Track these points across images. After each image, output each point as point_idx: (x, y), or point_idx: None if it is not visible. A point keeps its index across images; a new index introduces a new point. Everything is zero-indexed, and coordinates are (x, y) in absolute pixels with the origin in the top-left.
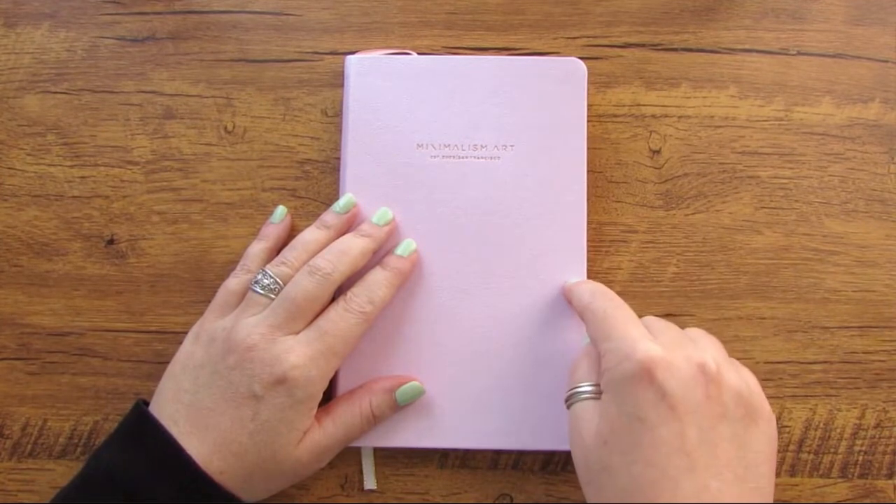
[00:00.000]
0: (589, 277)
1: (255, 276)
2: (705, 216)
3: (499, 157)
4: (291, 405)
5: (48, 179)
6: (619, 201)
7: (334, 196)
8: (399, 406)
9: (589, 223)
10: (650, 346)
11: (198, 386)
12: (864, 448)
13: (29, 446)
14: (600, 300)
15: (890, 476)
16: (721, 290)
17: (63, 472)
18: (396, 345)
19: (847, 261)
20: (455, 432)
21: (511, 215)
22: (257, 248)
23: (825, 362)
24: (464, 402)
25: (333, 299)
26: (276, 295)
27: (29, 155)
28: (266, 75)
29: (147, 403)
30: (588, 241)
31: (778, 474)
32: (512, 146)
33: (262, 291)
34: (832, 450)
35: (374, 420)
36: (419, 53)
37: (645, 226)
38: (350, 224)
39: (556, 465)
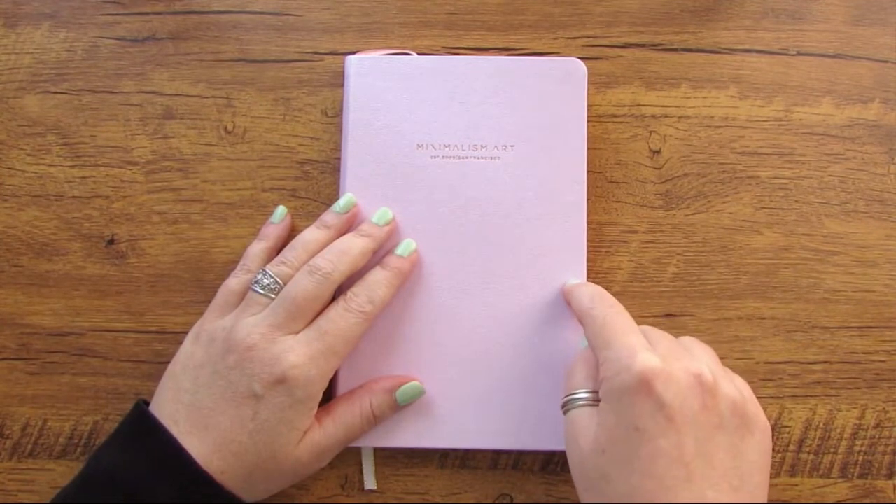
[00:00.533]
0: (589, 278)
1: (256, 276)
2: (705, 216)
3: (499, 157)
4: (291, 405)
5: (48, 179)
6: (619, 201)
7: (334, 196)
8: (399, 406)
9: (589, 223)
10: (649, 358)
11: (198, 386)
12: (863, 448)
13: (29, 446)
14: (600, 306)
15: (890, 476)
16: (721, 290)
17: (63, 472)
18: (396, 345)
19: (847, 261)
20: (455, 432)
21: (511, 215)
22: (257, 248)
23: (825, 362)
24: (464, 402)
25: (333, 299)
26: (276, 295)
27: (29, 155)
28: (266, 75)
29: (147, 403)
30: (588, 241)
31: (778, 474)
32: (512, 146)
33: (262, 291)
34: (832, 450)
35: (375, 420)
36: (419, 53)
37: (645, 226)
38: (350, 224)
39: (556, 465)
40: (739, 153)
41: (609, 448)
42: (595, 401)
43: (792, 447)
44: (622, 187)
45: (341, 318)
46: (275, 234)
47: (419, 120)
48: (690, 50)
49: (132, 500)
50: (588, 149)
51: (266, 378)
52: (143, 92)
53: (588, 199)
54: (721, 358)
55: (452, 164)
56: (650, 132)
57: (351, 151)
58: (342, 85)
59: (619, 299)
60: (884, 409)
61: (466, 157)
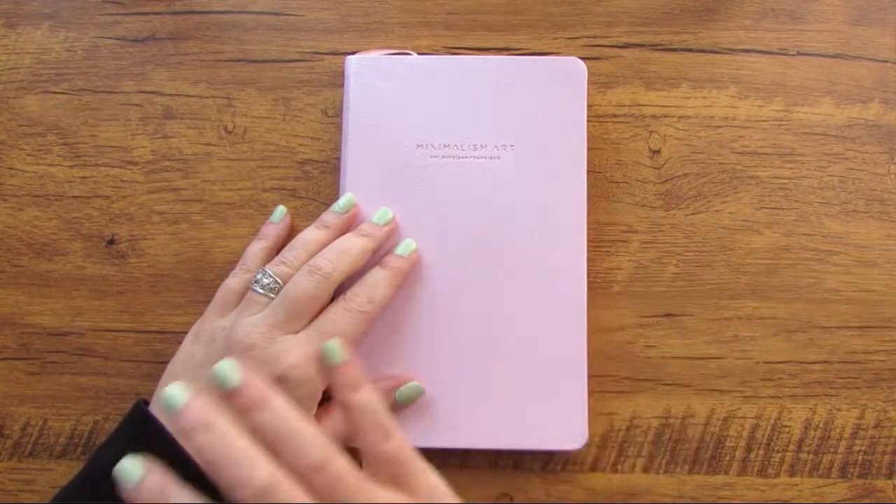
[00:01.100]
0: (589, 278)
1: (255, 276)
2: (705, 216)
3: (499, 157)
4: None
5: (48, 179)
6: (619, 201)
7: (334, 196)
8: (399, 406)
9: (589, 223)
10: None
11: (198, 385)
12: (863, 448)
13: (29, 446)
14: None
15: (890, 476)
16: (721, 290)
17: (63, 472)
18: (396, 345)
19: (847, 261)
20: (455, 432)
21: (511, 215)
22: (257, 248)
23: (825, 362)
24: (464, 402)
25: (333, 299)
26: (276, 294)
27: (29, 155)
28: (266, 75)
29: (147, 403)
30: (588, 241)
31: (778, 474)
32: (512, 146)
33: (261, 291)
34: (832, 450)
35: None
36: (419, 53)
37: (645, 226)
38: (350, 224)
39: (556, 465)
40: (739, 153)
41: None
42: None
43: (792, 447)
44: (622, 187)
45: (341, 317)
46: (274, 233)
47: (419, 120)
48: (690, 50)
49: None
50: (588, 149)
51: (265, 377)
52: (143, 92)
53: (588, 199)
54: (721, 358)
55: (452, 164)
56: (650, 132)
57: (351, 151)
58: (342, 85)
59: (619, 299)
60: (883, 408)
61: (466, 157)
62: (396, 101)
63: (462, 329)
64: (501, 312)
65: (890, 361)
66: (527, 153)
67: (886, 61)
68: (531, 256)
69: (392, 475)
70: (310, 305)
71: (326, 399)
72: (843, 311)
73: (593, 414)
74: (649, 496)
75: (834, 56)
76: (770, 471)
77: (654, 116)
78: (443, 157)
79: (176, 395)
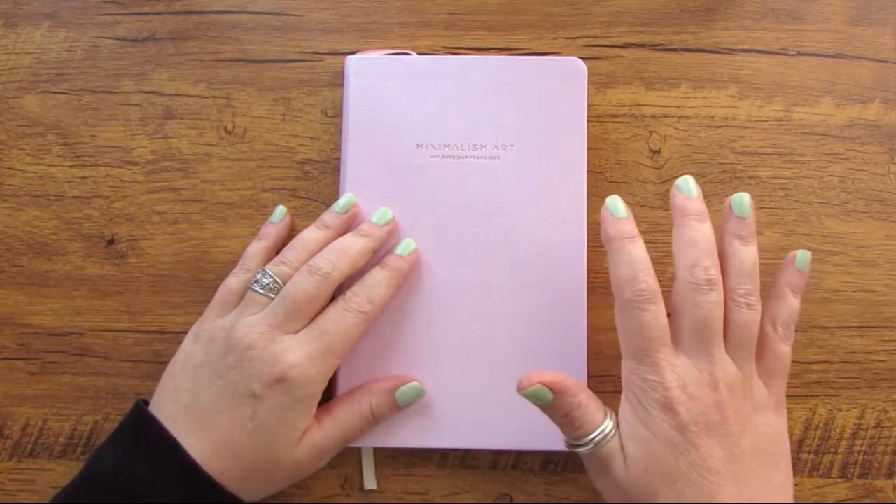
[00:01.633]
0: (589, 278)
1: (255, 276)
2: None
3: (499, 157)
4: (291, 405)
5: (48, 179)
6: None
7: (334, 196)
8: (399, 406)
9: (589, 223)
10: (672, 381)
11: (197, 385)
12: (863, 448)
13: (29, 446)
14: (638, 299)
15: (890, 476)
16: None
17: (63, 472)
18: (396, 345)
19: (847, 261)
20: (455, 432)
21: (511, 215)
22: (257, 248)
23: (825, 362)
24: (464, 402)
25: (333, 299)
26: (276, 294)
27: (29, 155)
28: (266, 75)
29: (147, 403)
30: (588, 241)
31: None
32: (512, 146)
33: (261, 291)
34: (832, 450)
35: (374, 420)
36: (419, 53)
37: (645, 226)
38: (350, 224)
39: (556, 465)
40: (739, 153)
41: (650, 465)
42: (616, 425)
43: (792, 447)
44: (622, 187)
45: (341, 317)
46: (274, 233)
47: (419, 120)
48: (690, 50)
49: (132, 501)
50: (588, 149)
51: (265, 378)
52: (143, 92)
53: (588, 199)
54: None
55: (452, 164)
56: (650, 132)
57: (351, 151)
58: (342, 85)
59: None
60: (884, 409)
61: (466, 157)
62: (396, 101)
63: (462, 329)
64: (501, 312)
65: (890, 361)
66: (527, 153)
67: (886, 61)
68: (531, 256)
69: (766, 369)
70: (309, 305)
71: (326, 399)
72: (843, 311)
73: None
74: None
75: (834, 56)
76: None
77: (654, 116)
78: (443, 157)
79: (620, 206)
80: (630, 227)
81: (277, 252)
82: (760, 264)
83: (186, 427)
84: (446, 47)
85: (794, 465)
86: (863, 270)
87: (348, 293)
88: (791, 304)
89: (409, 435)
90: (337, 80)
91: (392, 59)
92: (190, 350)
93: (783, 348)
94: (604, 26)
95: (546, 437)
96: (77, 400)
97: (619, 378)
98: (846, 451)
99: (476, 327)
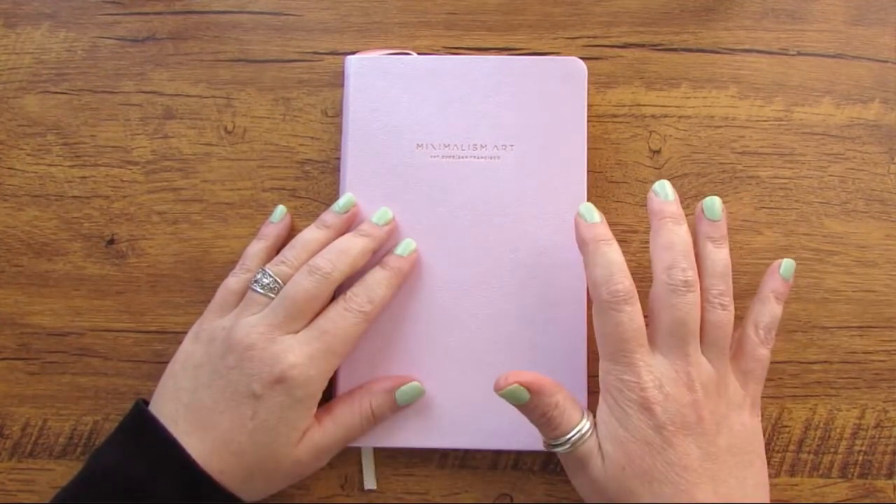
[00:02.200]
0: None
1: (255, 276)
2: None
3: (499, 157)
4: (291, 405)
5: (48, 179)
6: (619, 201)
7: (334, 196)
8: (399, 406)
9: None
10: (649, 381)
11: (197, 385)
12: (864, 448)
13: (29, 446)
14: (618, 304)
15: (890, 476)
16: None
17: (63, 472)
18: (396, 345)
19: (847, 261)
20: (455, 432)
21: (511, 215)
22: (257, 248)
23: (825, 362)
24: (464, 402)
25: (333, 299)
26: (276, 294)
27: (29, 155)
28: (266, 75)
29: (147, 403)
30: None
31: (778, 474)
32: (512, 146)
33: (261, 291)
34: (832, 450)
35: (374, 420)
36: (419, 53)
37: (645, 226)
38: (350, 224)
39: (556, 465)
40: (739, 153)
41: (628, 464)
42: (594, 424)
43: (792, 447)
44: (622, 187)
45: (341, 317)
46: (274, 233)
47: (419, 120)
48: (690, 50)
49: (132, 500)
50: (588, 149)
51: (265, 378)
52: (143, 92)
53: (588, 199)
54: None
55: (452, 164)
56: (650, 132)
57: (351, 151)
58: (342, 85)
59: None
60: (884, 408)
61: (466, 157)
62: (396, 101)
63: (462, 329)
64: (501, 312)
65: (890, 361)
66: (527, 153)
67: (886, 61)
68: (531, 256)
69: (744, 370)
70: (309, 305)
71: (326, 399)
72: (843, 311)
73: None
74: None
75: (834, 56)
76: (770, 471)
77: (654, 116)
78: (443, 157)
79: (594, 212)
80: (604, 230)
81: (277, 252)
82: (760, 264)
83: (186, 427)
84: (446, 47)
85: (794, 465)
86: (863, 270)
87: (348, 293)
88: (773, 310)
89: (409, 435)
90: (337, 80)
91: (392, 59)
92: (190, 350)
93: (762, 352)
94: (604, 26)
95: None
96: (77, 400)
97: None
98: (846, 451)
99: (476, 327)
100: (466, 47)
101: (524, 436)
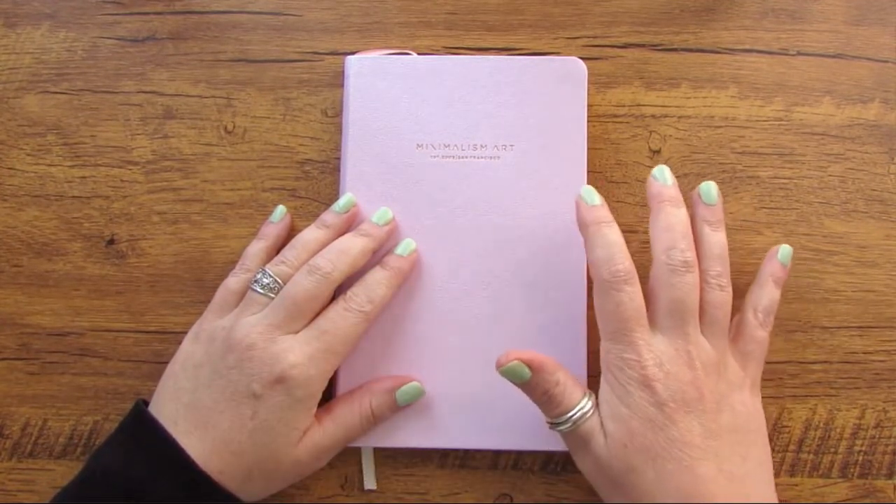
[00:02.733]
0: (589, 278)
1: (255, 276)
2: None
3: (499, 157)
4: (291, 404)
5: (48, 179)
6: (619, 201)
7: (334, 196)
8: (399, 406)
9: None
10: (649, 359)
11: (197, 385)
12: (864, 448)
13: (29, 446)
14: (618, 284)
15: (890, 476)
16: None
17: (63, 472)
18: (396, 345)
19: (847, 261)
20: (455, 432)
21: (511, 215)
22: (257, 248)
23: (825, 362)
24: (464, 402)
25: (333, 299)
26: (276, 294)
27: (29, 155)
28: (266, 75)
29: (147, 403)
30: None
31: (778, 474)
32: (512, 146)
33: (261, 291)
34: (832, 450)
35: (374, 420)
36: (419, 53)
37: (645, 226)
38: (350, 224)
39: (556, 465)
40: (739, 153)
41: (630, 441)
42: (596, 404)
43: (792, 447)
44: (622, 187)
45: (341, 317)
46: (274, 233)
47: (419, 120)
48: (690, 50)
49: (132, 500)
50: (588, 149)
51: (265, 377)
52: (143, 92)
53: None
54: None
55: (452, 164)
56: (650, 132)
57: (351, 151)
58: (342, 85)
59: None
60: (884, 409)
61: (466, 157)
62: (396, 101)
63: (462, 329)
64: (501, 312)
65: (890, 361)
66: (527, 153)
67: (887, 61)
68: (531, 256)
69: (743, 352)
70: (309, 305)
71: (326, 399)
72: (843, 311)
73: None
74: None
75: (834, 56)
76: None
77: (654, 116)
78: (443, 157)
79: (595, 195)
80: (605, 212)
81: (277, 252)
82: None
83: (186, 427)
84: (446, 47)
85: (794, 465)
86: (863, 270)
87: (348, 293)
88: (772, 293)
89: (409, 435)
90: (337, 80)
91: (392, 59)
92: (190, 350)
93: (761, 334)
94: (604, 26)
95: (546, 437)
96: (77, 400)
97: None
98: (846, 451)
99: (476, 327)
100: (466, 47)
101: (524, 436)
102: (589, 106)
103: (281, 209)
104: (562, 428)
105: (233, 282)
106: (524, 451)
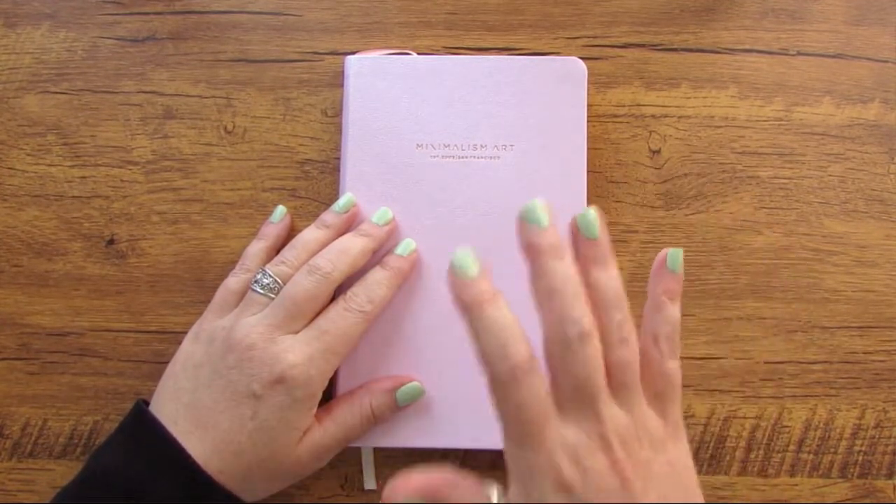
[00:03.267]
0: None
1: (255, 276)
2: (705, 216)
3: (499, 157)
4: (291, 405)
5: (48, 179)
6: (619, 201)
7: (334, 196)
8: (399, 406)
9: None
10: (563, 461)
11: (197, 385)
12: (863, 448)
13: (29, 446)
14: (517, 379)
15: (890, 476)
16: (721, 290)
17: (63, 472)
18: (396, 345)
19: (847, 261)
20: (455, 432)
21: (511, 215)
22: (256, 248)
23: (825, 362)
24: (464, 402)
25: (333, 299)
26: (276, 294)
27: (29, 155)
28: (266, 75)
29: (147, 403)
30: None
31: (778, 474)
32: (512, 146)
33: (261, 291)
34: (832, 450)
35: (374, 420)
36: (419, 53)
37: (645, 226)
38: (350, 224)
39: None
40: (739, 153)
41: None
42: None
43: (792, 447)
44: (622, 187)
45: (341, 317)
46: (274, 233)
47: (419, 120)
48: (690, 50)
49: (132, 500)
50: (588, 149)
51: (265, 377)
52: (143, 92)
53: (588, 199)
54: (721, 358)
55: (452, 164)
56: (650, 132)
57: (351, 151)
58: (342, 85)
59: None
60: (884, 409)
61: (466, 157)
62: (396, 101)
63: (462, 329)
64: None
65: (890, 361)
66: (527, 153)
67: (886, 61)
68: None
69: (656, 393)
70: (309, 305)
71: (327, 399)
72: (843, 311)
73: None
74: None
75: (834, 56)
76: (770, 471)
77: (654, 116)
78: (443, 157)
79: (470, 262)
80: (486, 286)
81: (277, 252)
82: (760, 264)
83: (186, 427)
84: (446, 47)
85: (794, 465)
86: (863, 270)
87: (348, 293)
88: (671, 315)
89: (409, 435)
90: (337, 80)
91: (392, 59)
92: (190, 350)
93: (669, 366)
94: (604, 26)
95: None
96: (77, 400)
97: None
98: (846, 451)
99: None
100: (466, 47)
101: None
102: (589, 106)
103: (281, 209)
104: None
105: (233, 282)
106: None
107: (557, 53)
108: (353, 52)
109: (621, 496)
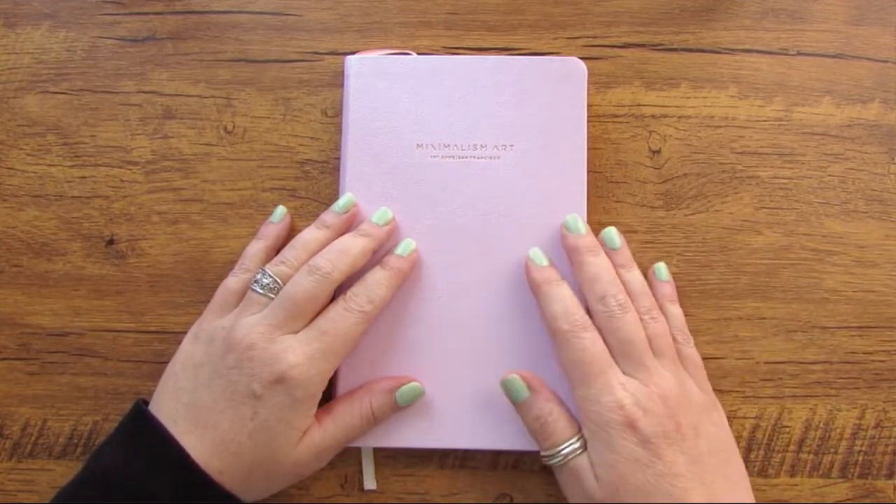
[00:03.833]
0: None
1: (255, 276)
2: (705, 216)
3: (499, 157)
4: (291, 404)
5: (48, 179)
6: (619, 201)
7: (334, 196)
8: (399, 406)
9: (589, 223)
10: (626, 399)
11: (197, 385)
12: (864, 448)
13: (29, 446)
14: (579, 331)
15: (890, 476)
16: (721, 290)
17: (63, 472)
18: (396, 345)
19: (847, 261)
20: (455, 432)
21: (511, 215)
22: (256, 248)
23: (825, 362)
24: (464, 402)
25: (333, 299)
26: (276, 294)
27: (29, 155)
28: (266, 75)
29: (147, 403)
30: None
31: (778, 474)
32: (512, 146)
33: (261, 291)
34: (832, 450)
35: (374, 420)
36: (419, 53)
37: (645, 226)
38: (350, 224)
39: None
40: (739, 153)
41: (621, 485)
42: (585, 444)
43: (792, 447)
44: (622, 187)
45: (341, 317)
46: (274, 233)
47: (419, 120)
48: (690, 50)
49: (131, 500)
50: (588, 149)
51: (265, 378)
52: (143, 92)
53: (588, 199)
54: (721, 358)
55: (452, 164)
56: (650, 132)
57: (351, 151)
58: (342, 85)
59: None
60: (884, 409)
61: (466, 157)
62: (396, 101)
63: (462, 329)
64: (501, 312)
65: (890, 361)
66: (527, 153)
67: (886, 61)
68: None
69: (687, 373)
70: (309, 305)
71: (327, 399)
72: (843, 311)
73: None
74: None
75: (834, 56)
76: (770, 471)
77: (654, 116)
78: (443, 157)
79: (542, 256)
80: (553, 273)
81: (277, 252)
82: (761, 264)
83: (186, 427)
84: (446, 47)
85: (794, 465)
86: (863, 270)
87: (348, 293)
88: (675, 312)
89: (409, 435)
90: (337, 80)
91: (392, 59)
92: (190, 350)
93: (689, 351)
94: (604, 26)
95: None
96: (77, 400)
97: None
98: (846, 451)
99: (476, 327)
100: (466, 47)
101: (524, 436)
102: (589, 106)
103: (281, 209)
104: (553, 462)
105: (232, 282)
106: (524, 451)
107: (557, 53)
108: (353, 52)
109: (677, 438)
